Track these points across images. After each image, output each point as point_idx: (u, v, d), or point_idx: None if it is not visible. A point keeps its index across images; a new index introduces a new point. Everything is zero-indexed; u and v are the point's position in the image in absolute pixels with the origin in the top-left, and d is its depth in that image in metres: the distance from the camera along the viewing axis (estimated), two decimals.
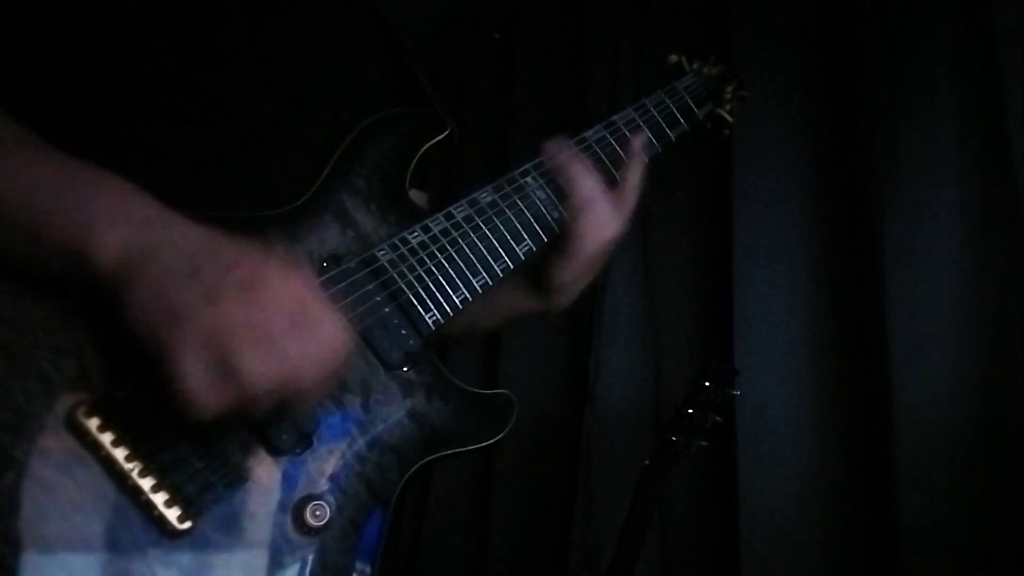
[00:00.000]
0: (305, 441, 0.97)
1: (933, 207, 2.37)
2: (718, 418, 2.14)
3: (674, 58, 1.56)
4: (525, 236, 1.21)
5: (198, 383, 0.79)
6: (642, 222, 2.92)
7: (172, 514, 0.87)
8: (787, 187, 2.64)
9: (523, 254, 1.21)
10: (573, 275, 1.28)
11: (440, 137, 1.21)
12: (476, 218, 1.17)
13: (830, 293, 2.56)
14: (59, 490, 0.83)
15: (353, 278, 1.05)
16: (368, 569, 1.05)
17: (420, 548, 3.12)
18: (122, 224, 0.83)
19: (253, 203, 1.04)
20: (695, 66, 1.55)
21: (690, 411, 2.11)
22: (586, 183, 1.23)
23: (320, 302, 0.86)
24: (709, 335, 2.76)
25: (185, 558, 0.88)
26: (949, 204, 2.35)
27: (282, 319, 0.81)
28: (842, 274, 2.53)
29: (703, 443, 2.14)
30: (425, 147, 1.19)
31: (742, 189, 2.66)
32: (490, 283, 1.17)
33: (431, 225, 1.13)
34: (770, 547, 2.49)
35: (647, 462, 2.15)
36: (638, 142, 1.32)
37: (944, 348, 2.31)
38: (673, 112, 1.42)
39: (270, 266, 0.84)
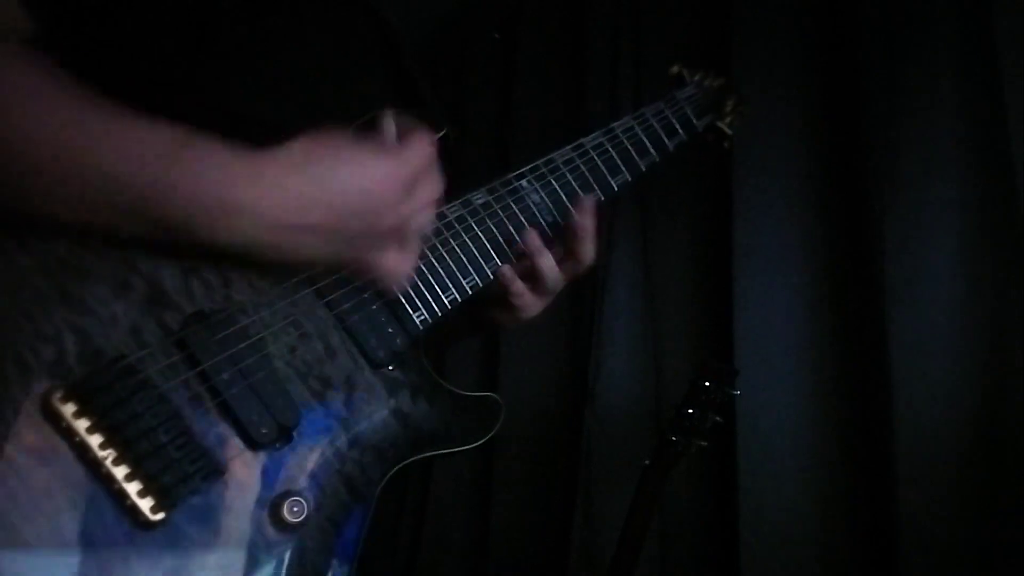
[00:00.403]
0: (285, 436, 0.97)
1: (933, 207, 2.36)
2: (718, 418, 2.13)
3: (675, 69, 1.55)
4: (517, 239, 1.21)
5: (403, 262, 1.03)
6: (642, 222, 2.91)
7: (145, 504, 0.87)
8: (787, 187, 2.63)
9: (515, 257, 1.21)
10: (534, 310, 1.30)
11: (436, 138, 1.20)
12: (468, 219, 1.17)
13: (830, 293, 2.55)
14: (32, 477, 0.83)
15: (342, 274, 1.05)
16: (345, 569, 1.04)
17: (420, 548, 3.12)
18: (241, 210, 0.90)
19: None
20: (696, 77, 1.54)
21: (690, 411, 2.11)
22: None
23: (394, 153, 1.01)
24: (709, 335, 2.75)
25: (158, 550, 0.88)
26: (949, 204, 2.34)
27: (399, 193, 0.98)
28: (842, 274, 2.52)
29: (703, 443, 2.13)
30: None
31: (742, 189, 2.65)
32: (480, 284, 1.17)
33: None
34: (770, 547, 2.48)
35: (647, 462, 2.14)
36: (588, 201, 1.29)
37: (944, 348, 2.31)
38: (672, 123, 1.42)
39: (368, 160, 0.98)
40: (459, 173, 2.88)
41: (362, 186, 0.95)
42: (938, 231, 2.35)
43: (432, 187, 1.03)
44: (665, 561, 2.71)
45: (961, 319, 2.30)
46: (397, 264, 1.02)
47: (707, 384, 2.12)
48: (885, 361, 2.33)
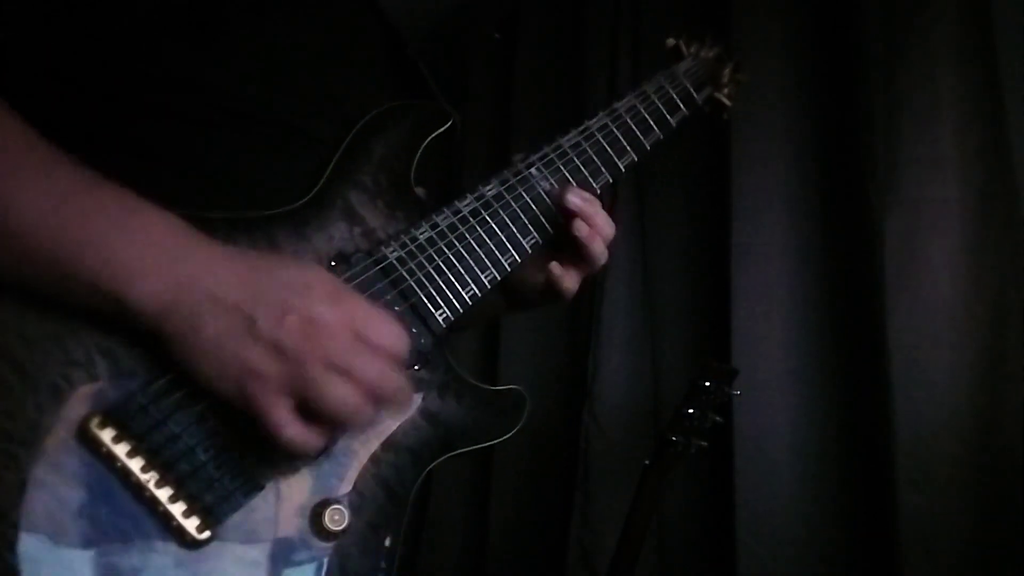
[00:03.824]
0: None
1: (933, 207, 2.37)
2: (718, 418, 2.13)
3: (671, 41, 1.52)
4: (531, 229, 1.20)
5: (297, 432, 0.86)
6: (640, 221, 2.91)
7: (191, 524, 0.87)
8: (786, 186, 2.64)
9: (530, 247, 1.20)
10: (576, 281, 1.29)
11: (443, 129, 1.19)
12: (483, 211, 1.16)
13: (829, 293, 2.56)
14: (76, 503, 0.83)
15: (363, 278, 1.03)
16: (386, 573, 1.04)
17: (420, 548, 3.11)
18: (160, 274, 0.85)
19: (259, 201, 1.02)
20: (693, 49, 1.51)
21: (690, 411, 2.10)
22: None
23: (366, 307, 0.93)
24: (707, 334, 2.76)
25: (205, 568, 0.88)
26: (949, 204, 2.35)
27: (346, 343, 0.88)
28: (841, 274, 2.54)
29: (703, 443, 2.13)
30: (428, 140, 1.17)
31: (740, 188, 2.66)
32: (498, 277, 1.16)
33: (438, 220, 1.12)
34: (767, 548, 2.49)
35: (647, 462, 2.14)
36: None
37: (944, 348, 2.32)
38: (673, 98, 1.40)
39: (313, 294, 0.88)
40: (461, 169, 2.87)
41: (296, 284, 0.88)
42: (938, 231, 2.36)
43: (378, 365, 0.90)
44: (663, 561, 2.72)
45: (961, 319, 2.31)
46: (299, 435, 0.87)
47: (707, 384, 2.11)
48: (884, 361, 2.34)
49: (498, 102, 3.24)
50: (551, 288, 1.27)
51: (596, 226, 1.22)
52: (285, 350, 0.85)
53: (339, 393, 0.86)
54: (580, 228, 1.21)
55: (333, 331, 0.87)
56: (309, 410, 0.87)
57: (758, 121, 2.60)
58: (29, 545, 0.80)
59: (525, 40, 3.25)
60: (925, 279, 2.35)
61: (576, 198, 1.21)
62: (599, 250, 1.24)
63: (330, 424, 0.89)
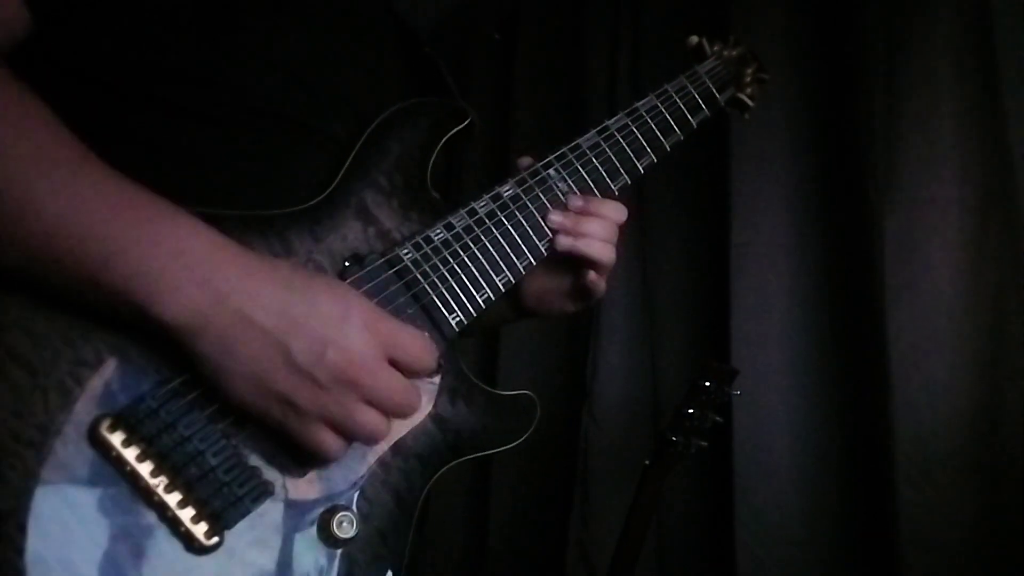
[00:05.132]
0: None
1: (932, 207, 2.37)
2: (718, 418, 2.13)
3: (694, 40, 1.51)
4: (548, 231, 1.19)
5: (336, 448, 0.91)
6: (639, 221, 2.91)
7: (199, 530, 0.86)
8: (785, 185, 2.64)
9: (546, 250, 1.19)
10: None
11: (461, 127, 1.17)
12: (499, 213, 1.14)
13: (828, 293, 2.56)
14: (84, 507, 0.82)
15: (377, 280, 1.02)
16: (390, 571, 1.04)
17: (419, 548, 3.10)
18: (187, 289, 0.84)
19: (274, 200, 1.02)
20: (716, 48, 1.49)
21: (690, 411, 2.10)
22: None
23: (398, 329, 0.95)
24: (706, 334, 2.75)
25: (213, 573, 0.87)
26: (949, 204, 2.35)
27: (382, 377, 0.91)
28: (840, 273, 2.54)
29: (703, 443, 2.12)
30: (446, 138, 1.16)
31: (740, 188, 2.65)
32: (513, 281, 1.15)
33: (454, 222, 1.10)
34: (767, 548, 2.49)
35: (647, 462, 2.13)
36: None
37: (944, 348, 2.32)
38: (695, 99, 1.38)
39: (350, 325, 0.90)
40: (461, 169, 2.87)
41: (334, 314, 0.89)
42: (938, 231, 2.36)
43: (405, 391, 0.94)
44: (663, 561, 2.71)
45: (961, 319, 2.31)
46: (332, 445, 0.90)
47: (707, 384, 2.11)
48: (884, 360, 2.34)
49: (498, 102, 3.24)
50: (581, 289, 1.26)
51: (583, 235, 1.21)
52: (322, 384, 0.87)
53: (370, 421, 0.90)
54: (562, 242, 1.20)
55: (372, 366, 0.90)
56: (347, 433, 0.90)
57: (758, 121, 2.58)
58: (36, 547, 0.80)
59: (525, 40, 3.24)
60: (925, 279, 2.35)
61: (556, 216, 1.19)
62: (594, 251, 1.22)
63: (369, 439, 0.93)
